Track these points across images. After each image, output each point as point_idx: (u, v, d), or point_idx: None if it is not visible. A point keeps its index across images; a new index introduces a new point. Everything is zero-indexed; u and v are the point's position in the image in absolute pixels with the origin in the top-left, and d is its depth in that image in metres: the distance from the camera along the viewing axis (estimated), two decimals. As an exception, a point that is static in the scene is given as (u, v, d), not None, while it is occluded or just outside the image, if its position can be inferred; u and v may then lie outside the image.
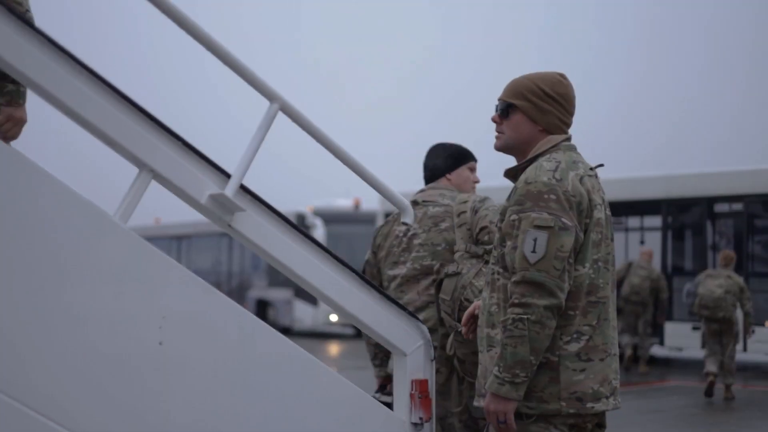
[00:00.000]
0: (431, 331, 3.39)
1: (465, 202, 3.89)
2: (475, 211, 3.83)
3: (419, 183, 4.20)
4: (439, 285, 3.77)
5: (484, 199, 3.89)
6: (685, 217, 15.34)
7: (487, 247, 3.71)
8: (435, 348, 3.35)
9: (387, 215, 17.66)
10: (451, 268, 3.73)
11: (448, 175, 4.08)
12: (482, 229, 3.77)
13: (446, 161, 4.08)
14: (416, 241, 3.96)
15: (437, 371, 3.49)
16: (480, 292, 3.59)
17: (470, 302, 3.59)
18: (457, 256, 3.79)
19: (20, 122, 3.20)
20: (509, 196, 2.88)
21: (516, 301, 2.72)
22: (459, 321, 3.60)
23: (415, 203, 3.99)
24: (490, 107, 2.99)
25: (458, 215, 3.88)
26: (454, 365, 3.74)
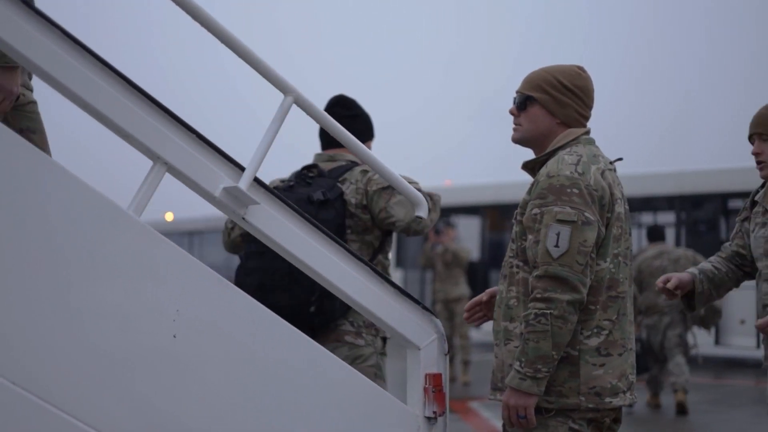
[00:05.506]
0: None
1: None
2: None
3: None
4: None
5: None
6: (698, 213, 15.26)
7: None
8: None
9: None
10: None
11: None
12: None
13: None
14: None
15: None
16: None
17: None
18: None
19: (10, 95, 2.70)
20: (530, 189, 2.86)
21: (538, 295, 2.71)
22: None
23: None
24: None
25: None
26: None
